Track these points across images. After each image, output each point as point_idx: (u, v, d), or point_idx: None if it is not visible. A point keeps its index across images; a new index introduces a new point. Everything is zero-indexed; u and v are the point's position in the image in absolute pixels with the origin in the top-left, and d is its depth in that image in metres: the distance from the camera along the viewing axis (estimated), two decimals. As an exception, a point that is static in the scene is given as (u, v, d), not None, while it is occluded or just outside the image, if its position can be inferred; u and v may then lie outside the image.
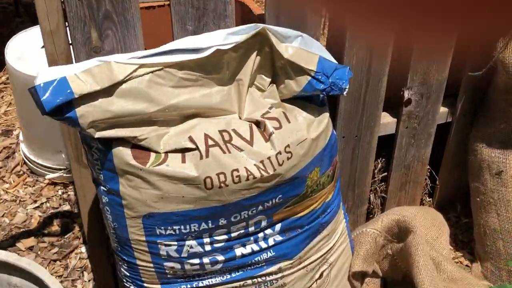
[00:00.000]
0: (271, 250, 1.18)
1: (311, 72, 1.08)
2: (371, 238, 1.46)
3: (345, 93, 1.12)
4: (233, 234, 1.11)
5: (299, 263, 1.25)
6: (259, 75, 1.12)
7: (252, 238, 1.14)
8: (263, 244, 1.16)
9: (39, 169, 2.04)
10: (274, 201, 1.10)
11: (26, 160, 2.07)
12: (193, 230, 1.06)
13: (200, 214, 1.04)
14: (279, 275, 1.22)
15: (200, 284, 1.16)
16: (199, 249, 1.10)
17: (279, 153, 1.04)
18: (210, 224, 1.07)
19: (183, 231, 1.06)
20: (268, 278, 1.21)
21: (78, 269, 1.67)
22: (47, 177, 2.04)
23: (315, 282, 1.34)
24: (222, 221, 1.07)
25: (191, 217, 1.04)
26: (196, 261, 1.11)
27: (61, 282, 1.62)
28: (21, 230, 1.79)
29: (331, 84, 1.09)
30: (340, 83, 1.10)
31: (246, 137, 1.04)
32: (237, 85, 1.09)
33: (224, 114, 1.08)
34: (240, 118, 1.08)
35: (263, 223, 1.13)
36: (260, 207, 1.09)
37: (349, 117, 1.46)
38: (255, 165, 1.03)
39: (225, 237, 1.10)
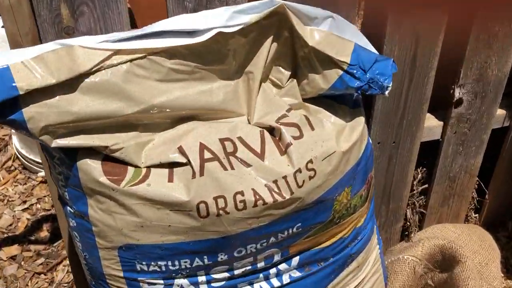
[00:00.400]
0: (286, 289, 0.93)
1: (344, 65, 0.82)
2: (409, 267, 1.20)
3: (387, 92, 0.85)
4: (236, 272, 0.87)
5: (320, 303, 1.00)
6: (275, 67, 0.87)
7: (261, 275, 0.90)
8: (275, 282, 0.92)
9: (32, 165, 1.83)
10: (290, 231, 0.85)
11: (18, 155, 1.86)
12: (184, 267, 0.82)
13: (192, 248, 0.80)
14: (294, 316, 0.98)
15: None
16: (192, 289, 0.86)
17: (299, 170, 0.79)
18: (206, 260, 0.82)
19: (171, 268, 0.82)
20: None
21: (65, 285, 1.45)
22: (39, 174, 1.83)
23: (339, 323, 1.09)
24: (222, 257, 0.83)
25: (181, 251, 0.80)
26: (189, 302, 0.88)
27: (44, 299, 1.41)
28: (5, 235, 1.58)
29: (370, 80, 0.83)
30: (381, 79, 0.84)
31: (255, 148, 0.79)
32: (246, 80, 0.84)
33: (229, 116, 0.83)
34: (249, 123, 0.83)
35: (276, 257, 0.89)
36: (273, 239, 0.84)
37: (387, 119, 1.19)
38: (266, 186, 0.78)
39: (226, 275, 0.86)
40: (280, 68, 0.87)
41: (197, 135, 0.78)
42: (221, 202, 0.75)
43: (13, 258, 1.51)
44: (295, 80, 0.87)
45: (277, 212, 0.79)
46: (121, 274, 0.83)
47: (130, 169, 0.75)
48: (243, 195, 0.76)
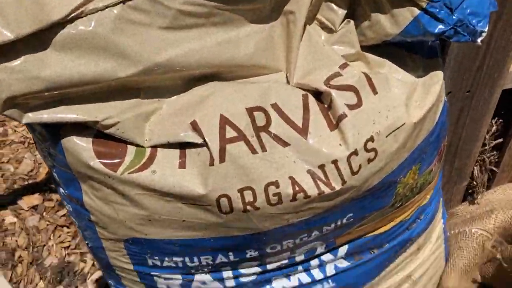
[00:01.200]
0: (330, 281, 0.77)
1: (422, 2, 0.58)
2: (477, 243, 1.01)
3: (479, 40, 0.62)
4: (270, 266, 0.70)
5: (369, 291, 0.84)
6: (325, 3, 0.64)
7: (300, 267, 0.73)
8: (317, 274, 0.75)
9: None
10: (339, 222, 0.66)
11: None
12: (205, 263, 0.66)
13: (214, 245, 0.63)
14: (340, 307, 0.82)
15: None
16: (216, 285, 0.70)
17: (355, 152, 0.58)
18: (232, 257, 0.66)
19: (189, 264, 0.66)
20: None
21: (89, 239, 1.35)
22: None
23: (391, 308, 0.93)
24: (252, 253, 0.66)
25: (200, 248, 0.63)
26: (213, 298, 0.72)
27: (68, 254, 1.31)
28: (26, 182, 1.47)
29: (457, 23, 0.59)
30: (474, 22, 0.60)
31: (295, 121, 0.59)
32: (285, 22, 0.62)
33: (260, 74, 0.62)
34: (288, 83, 0.62)
35: (319, 249, 0.71)
36: (316, 233, 0.66)
37: (462, 65, 0.95)
38: (309, 173, 0.58)
39: (257, 269, 0.70)
40: (332, 4, 0.64)
41: (217, 104, 0.58)
42: (249, 195, 0.57)
43: (34, 208, 1.41)
44: (352, 22, 0.64)
45: (322, 205, 0.60)
46: (131, 267, 0.68)
47: (131, 149, 0.57)
48: (277, 186, 0.57)
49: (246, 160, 0.56)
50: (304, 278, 0.74)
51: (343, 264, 0.76)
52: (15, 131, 1.64)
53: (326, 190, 0.58)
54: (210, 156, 0.56)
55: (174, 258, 0.65)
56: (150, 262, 0.66)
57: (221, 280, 0.69)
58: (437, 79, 0.67)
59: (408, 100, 0.63)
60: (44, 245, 1.33)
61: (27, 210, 1.41)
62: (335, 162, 0.58)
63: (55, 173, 0.63)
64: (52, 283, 1.26)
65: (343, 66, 0.61)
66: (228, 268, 0.68)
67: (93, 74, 0.52)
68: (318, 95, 0.61)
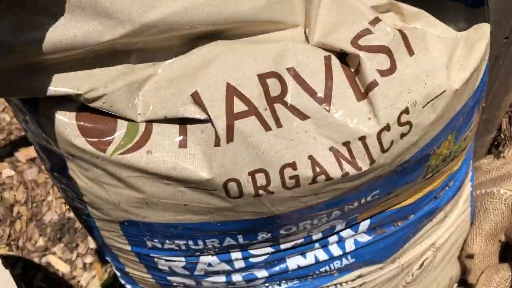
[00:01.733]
0: (349, 257, 0.70)
1: None
2: (505, 205, 0.94)
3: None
4: (283, 246, 0.63)
5: (391, 264, 0.78)
6: None
7: (317, 244, 0.66)
8: (335, 250, 0.68)
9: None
10: (363, 200, 0.58)
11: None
12: (210, 246, 0.59)
13: (222, 228, 0.55)
14: (358, 282, 0.76)
15: (230, 297, 0.73)
16: (224, 266, 0.64)
17: (386, 127, 0.49)
18: (241, 240, 0.59)
19: (193, 247, 0.59)
20: (339, 287, 0.75)
21: (90, 193, 1.29)
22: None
23: (412, 275, 0.87)
24: (264, 235, 0.58)
25: (205, 231, 0.56)
26: (221, 278, 0.66)
27: (68, 210, 1.26)
28: (22, 133, 1.40)
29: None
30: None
31: (315, 89, 0.49)
32: (305, -34, 0.50)
33: (274, 30, 0.52)
34: (308, 42, 0.52)
35: (339, 227, 0.64)
36: (336, 212, 0.58)
37: (501, 7, 0.83)
38: (332, 150, 0.49)
39: (269, 250, 0.63)
40: None
41: (223, 70, 0.48)
42: (261, 178, 0.49)
43: (32, 160, 1.35)
44: (383, -35, 0.53)
45: (345, 185, 0.52)
46: (129, 248, 0.62)
47: (121, 124, 0.48)
48: (295, 168, 0.48)
49: (258, 138, 0.48)
50: (321, 255, 0.68)
51: (364, 238, 0.69)
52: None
53: (352, 171, 0.49)
54: (216, 135, 0.47)
55: (176, 241, 0.58)
56: (149, 244, 0.59)
57: (230, 261, 0.63)
58: (482, 33, 0.56)
59: (449, 61, 0.53)
60: (43, 200, 1.27)
61: (24, 163, 1.34)
62: (362, 138, 0.49)
63: (38, 149, 0.54)
64: (52, 240, 1.21)
65: (374, 21, 0.51)
66: (237, 249, 0.61)
67: (71, 39, 0.42)
68: (343, 57, 0.51)
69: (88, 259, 1.19)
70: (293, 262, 0.67)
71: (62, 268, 1.18)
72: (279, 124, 0.48)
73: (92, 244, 1.21)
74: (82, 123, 0.47)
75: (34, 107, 0.48)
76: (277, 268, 0.67)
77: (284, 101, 0.48)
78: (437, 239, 0.83)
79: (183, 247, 0.59)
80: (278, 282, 0.72)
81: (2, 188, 1.29)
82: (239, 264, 0.63)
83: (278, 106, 0.48)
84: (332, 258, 0.69)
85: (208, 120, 0.47)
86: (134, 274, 0.68)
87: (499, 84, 0.99)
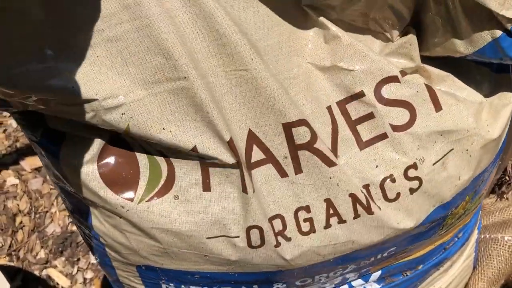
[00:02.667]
0: (356, 305, 0.71)
1: (508, 23, 0.48)
2: (508, 252, 0.94)
3: None
4: (296, 294, 0.64)
5: (396, 309, 0.78)
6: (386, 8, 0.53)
7: (328, 291, 0.67)
8: (345, 299, 0.69)
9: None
10: (379, 256, 0.59)
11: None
12: (225, 293, 0.59)
13: (239, 279, 0.56)
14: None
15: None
16: (235, 312, 0.64)
17: (391, 178, 0.50)
18: (256, 289, 0.59)
19: (209, 293, 0.59)
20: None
21: (93, 207, 1.29)
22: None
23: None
24: (279, 286, 0.59)
25: (222, 281, 0.57)
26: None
27: (71, 223, 1.26)
28: (28, 141, 1.39)
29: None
30: None
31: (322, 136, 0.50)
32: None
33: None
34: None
35: (351, 278, 0.64)
36: (352, 267, 0.59)
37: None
38: (351, 196, 0.50)
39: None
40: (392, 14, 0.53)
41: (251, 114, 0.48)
42: (278, 223, 0.49)
43: (37, 170, 1.35)
44: (413, 32, 0.54)
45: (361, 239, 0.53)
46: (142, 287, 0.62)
47: (143, 166, 0.48)
48: (308, 211, 0.49)
49: (273, 185, 0.49)
50: (330, 301, 0.68)
51: (373, 287, 0.70)
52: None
53: (363, 214, 0.50)
54: (243, 181, 0.47)
55: (192, 287, 0.58)
56: (164, 287, 0.59)
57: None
58: (506, 100, 0.57)
59: (476, 123, 0.53)
60: (47, 212, 1.27)
61: (30, 172, 1.34)
62: (366, 188, 0.50)
63: (59, 189, 0.55)
64: (54, 253, 1.21)
65: (403, 73, 0.51)
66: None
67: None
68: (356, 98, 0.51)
69: (89, 274, 1.19)
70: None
71: (62, 282, 1.18)
72: (298, 171, 0.48)
73: (93, 259, 1.21)
74: (105, 172, 0.48)
75: (55, 155, 0.48)
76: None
77: (314, 148, 0.48)
78: (440, 286, 0.84)
79: (198, 292, 0.59)
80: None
81: (6, 197, 1.29)
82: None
83: (303, 153, 0.48)
84: (341, 305, 0.69)
85: (236, 166, 0.47)
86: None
87: (510, 133, 1.00)
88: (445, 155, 0.52)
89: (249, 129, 0.48)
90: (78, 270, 1.20)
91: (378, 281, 0.70)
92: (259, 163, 0.49)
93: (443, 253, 0.73)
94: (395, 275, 0.70)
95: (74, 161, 0.47)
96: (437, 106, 0.51)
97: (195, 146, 0.46)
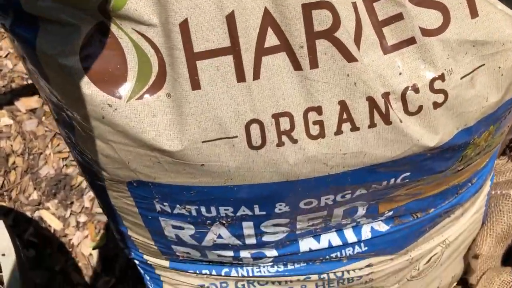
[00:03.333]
0: (362, 245, 0.67)
1: None
2: (521, 208, 0.90)
3: None
4: (299, 225, 0.59)
5: (403, 256, 0.74)
6: None
7: (334, 228, 0.62)
8: (350, 237, 0.65)
9: None
10: (392, 181, 0.54)
11: None
12: (223, 215, 0.55)
13: (238, 195, 0.51)
14: (366, 271, 0.73)
15: (233, 273, 0.69)
16: (234, 241, 0.60)
17: (415, 88, 0.45)
18: (257, 210, 0.54)
19: (206, 214, 0.55)
20: (346, 275, 0.72)
21: (89, 151, 1.24)
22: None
23: (417, 269, 0.84)
24: (282, 208, 0.54)
25: (220, 197, 0.52)
26: (229, 253, 0.63)
27: (65, 166, 1.21)
28: (25, 82, 1.35)
29: None
30: None
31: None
32: None
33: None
34: None
35: (359, 212, 0.60)
36: (361, 191, 0.54)
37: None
38: (368, 100, 0.45)
39: (283, 229, 0.59)
40: None
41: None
42: (285, 122, 0.44)
43: (32, 111, 1.30)
44: None
45: (375, 153, 0.48)
46: (136, 210, 0.58)
47: (132, 59, 0.43)
48: (320, 112, 0.44)
49: (284, 77, 0.43)
50: (335, 240, 0.64)
51: (381, 228, 0.65)
52: (14, 22, 1.47)
53: (380, 124, 0.45)
54: (240, 70, 0.42)
55: (188, 206, 0.54)
56: (158, 207, 0.55)
57: (241, 236, 0.59)
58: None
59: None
60: (41, 153, 1.23)
61: (24, 113, 1.29)
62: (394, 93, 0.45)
63: (48, 102, 0.50)
64: (47, 195, 1.17)
65: None
66: (250, 224, 0.57)
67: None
68: None
69: (82, 218, 1.15)
70: (306, 244, 0.63)
71: (54, 224, 1.14)
72: (314, 65, 0.43)
73: (87, 203, 1.17)
74: (88, 64, 0.42)
75: (30, 44, 0.42)
76: (288, 249, 0.63)
77: (334, 37, 0.43)
78: (449, 235, 0.79)
79: (194, 213, 0.55)
80: (284, 263, 0.68)
81: (-1, 136, 1.25)
82: (251, 240, 0.60)
83: (321, 43, 0.43)
84: (346, 245, 0.65)
85: (231, 51, 0.42)
86: (137, 239, 0.64)
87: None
88: (475, 69, 0.47)
89: (265, 7, 0.42)
90: (71, 214, 1.16)
91: (387, 221, 0.65)
92: (272, 50, 0.43)
93: (455, 198, 0.69)
94: (405, 216, 0.66)
95: (53, 51, 0.42)
96: (473, 12, 0.46)
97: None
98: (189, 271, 0.69)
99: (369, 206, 0.59)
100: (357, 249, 0.67)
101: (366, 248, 0.67)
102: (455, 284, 1.07)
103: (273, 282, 0.72)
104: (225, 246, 0.60)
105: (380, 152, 0.47)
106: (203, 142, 0.44)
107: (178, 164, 0.47)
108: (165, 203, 0.54)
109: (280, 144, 0.45)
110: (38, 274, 1.08)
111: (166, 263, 0.70)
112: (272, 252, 0.63)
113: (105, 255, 1.12)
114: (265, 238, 0.59)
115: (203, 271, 0.69)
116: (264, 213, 0.54)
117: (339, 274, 0.72)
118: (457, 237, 0.84)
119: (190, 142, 0.45)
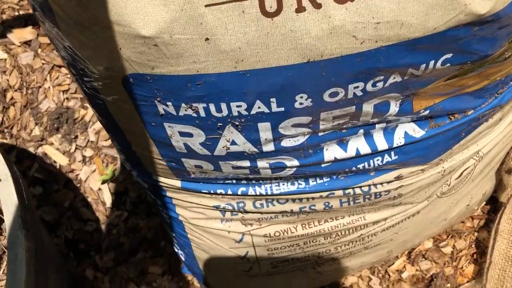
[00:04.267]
0: (392, 153, 0.60)
1: None
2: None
3: None
4: (323, 126, 0.52)
5: (434, 167, 0.67)
6: None
7: (362, 129, 0.55)
8: (381, 143, 0.57)
9: None
10: (431, 65, 0.46)
11: None
12: (236, 114, 0.48)
13: (250, 84, 0.44)
14: (394, 185, 0.66)
15: (250, 192, 0.63)
16: (249, 148, 0.53)
17: None
18: (274, 105, 0.47)
19: (215, 114, 0.48)
20: (373, 189, 0.65)
21: (91, 83, 1.17)
22: None
23: (448, 185, 0.78)
24: (303, 100, 0.47)
25: (230, 89, 0.45)
26: (244, 163, 0.56)
27: (67, 99, 1.14)
28: (16, 13, 1.26)
29: None
30: None
31: None
32: None
33: None
34: None
35: (391, 109, 0.52)
36: (394, 78, 0.46)
37: None
38: None
39: (304, 130, 0.52)
40: None
41: None
42: None
43: (27, 43, 1.21)
44: None
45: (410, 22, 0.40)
46: (137, 117, 0.51)
47: None
48: None
49: None
50: (364, 147, 0.57)
51: (416, 133, 0.58)
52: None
53: None
54: None
55: (194, 105, 0.46)
56: (161, 109, 0.48)
57: (257, 141, 0.52)
58: None
59: None
60: (40, 87, 1.16)
61: (19, 46, 1.21)
62: None
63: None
64: (49, 130, 1.11)
65: None
66: (267, 124, 0.49)
67: None
68: None
69: (88, 152, 1.10)
70: (331, 152, 0.56)
71: (59, 160, 1.09)
72: None
73: (92, 136, 1.11)
74: None
75: None
76: (310, 159, 0.56)
77: None
78: (483, 146, 0.72)
79: (203, 114, 0.47)
80: (306, 178, 0.62)
81: (-6, 72, 1.18)
82: (268, 147, 0.53)
83: None
84: (375, 153, 0.58)
85: None
86: (144, 155, 0.58)
87: None
88: None
89: None
90: (76, 148, 1.10)
91: (422, 123, 0.58)
92: None
93: (495, 99, 0.61)
94: (441, 118, 0.58)
95: None
96: None
97: None
98: (203, 191, 0.63)
99: (402, 102, 0.51)
100: (386, 158, 0.60)
101: (397, 157, 0.60)
102: (484, 203, 1.02)
103: (293, 200, 0.66)
104: (240, 155, 0.54)
105: (420, 22, 0.39)
106: (206, 6, 0.36)
107: (178, 42, 0.40)
108: (168, 103, 0.47)
109: (300, 9, 0.37)
110: (47, 211, 1.04)
111: (177, 183, 0.63)
112: (292, 162, 0.56)
113: (115, 190, 1.07)
114: (284, 143, 0.52)
115: (218, 191, 0.63)
116: (282, 109, 0.47)
117: (365, 189, 0.65)
118: (491, 149, 0.77)
119: (190, 5, 0.37)
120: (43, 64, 1.19)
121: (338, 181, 0.62)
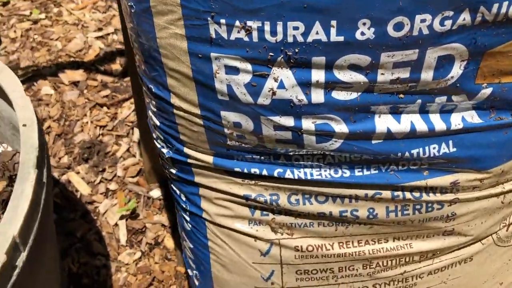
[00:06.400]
0: (451, 144, 0.54)
1: None
2: None
3: None
4: (382, 77, 0.48)
5: (493, 183, 0.60)
6: None
7: (419, 99, 0.51)
8: (437, 123, 0.52)
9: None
10: (505, 6, 0.44)
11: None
12: (290, 39, 0.45)
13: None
14: (448, 196, 0.59)
15: (288, 175, 0.57)
16: (296, 94, 0.49)
17: None
18: (333, 32, 0.44)
19: (269, 38, 0.45)
20: (424, 197, 0.58)
21: (128, 124, 1.17)
22: (123, 4, 1.53)
23: (506, 227, 0.69)
24: (365, 30, 0.44)
25: (288, 2, 0.42)
26: (288, 121, 0.51)
27: (102, 135, 1.14)
28: (71, 59, 1.32)
29: None
30: None
31: None
32: None
33: None
34: None
35: (455, 70, 0.48)
36: (465, 18, 0.43)
37: None
38: None
39: (360, 79, 0.48)
40: None
41: None
42: None
43: (75, 83, 1.25)
44: None
45: None
46: (184, 46, 0.48)
47: None
48: None
49: None
50: (419, 122, 0.52)
51: (473, 119, 0.53)
52: (70, 13, 1.49)
53: None
54: None
55: (249, 22, 0.44)
56: (212, 31, 0.46)
57: (307, 85, 0.48)
58: None
59: None
60: (78, 120, 1.16)
61: (67, 85, 1.25)
62: None
63: None
64: (78, 161, 1.09)
65: None
66: (322, 59, 0.46)
67: None
68: None
69: (113, 186, 1.05)
70: (383, 122, 0.51)
71: (82, 188, 1.04)
72: None
73: (120, 172, 1.07)
74: None
75: None
76: (361, 125, 0.51)
77: None
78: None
79: (255, 38, 0.44)
80: (352, 163, 0.56)
81: (38, 103, 1.20)
82: (317, 96, 0.48)
83: None
84: (432, 137, 0.53)
85: None
86: (180, 108, 0.54)
87: None
88: None
89: None
90: (101, 181, 1.06)
91: (481, 112, 0.53)
92: None
93: None
94: (503, 112, 0.54)
95: None
96: None
97: None
98: (236, 169, 0.58)
99: (467, 64, 0.48)
100: (443, 148, 0.54)
101: (455, 149, 0.55)
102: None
103: (333, 199, 0.59)
104: (285, 105, 0.49)
105: None
106: None
107: None
108: (222, 20, 0.45)
109: None
110: (57, 239, 0.97)
111: (209, 158, 0.58)
112: (340, 127, 0.51)
113: (132, 227, 1.00)
114: (335, 94, 0.48)
115: (252, 170, 0.57)
116: (341, 38, 0.44)
117: (416, 194, 0.58)
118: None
119: None
120: (85, 102, 1.21)
121: (387, 175, 0.56)
